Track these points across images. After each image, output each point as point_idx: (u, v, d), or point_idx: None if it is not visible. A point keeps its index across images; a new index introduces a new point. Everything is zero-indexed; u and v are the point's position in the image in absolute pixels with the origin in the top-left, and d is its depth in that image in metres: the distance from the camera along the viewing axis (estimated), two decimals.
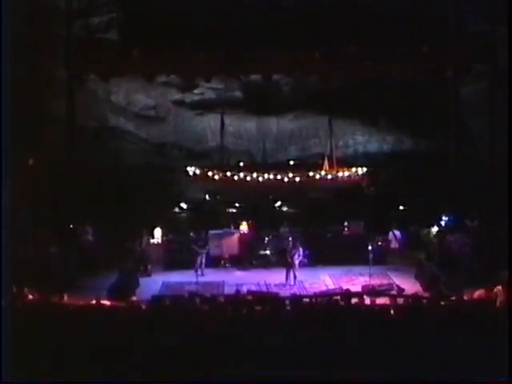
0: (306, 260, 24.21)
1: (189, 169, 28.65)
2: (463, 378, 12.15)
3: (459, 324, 13.40)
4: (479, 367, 12.32)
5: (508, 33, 21.93)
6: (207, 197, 30.17)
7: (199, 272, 23.21)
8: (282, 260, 22.89)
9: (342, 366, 12.63)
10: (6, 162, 16.67)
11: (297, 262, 22.32)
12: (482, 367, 12.32)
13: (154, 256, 24.64)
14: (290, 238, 23.07)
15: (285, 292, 20.40)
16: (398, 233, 24.48)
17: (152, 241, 24.91)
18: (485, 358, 12.42)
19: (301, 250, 22.63)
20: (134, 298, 18.76)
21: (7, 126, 15.93)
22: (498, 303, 15.49)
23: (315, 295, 18.58)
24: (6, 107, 15.64)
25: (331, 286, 21.59)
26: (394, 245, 24.28)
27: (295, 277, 22.02)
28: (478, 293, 16.64)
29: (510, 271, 16.67)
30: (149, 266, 23.72)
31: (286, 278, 22.04)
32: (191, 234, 25.72)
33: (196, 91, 29.93)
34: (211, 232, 25.03)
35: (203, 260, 23.72)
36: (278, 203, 29.69)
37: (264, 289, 21.44)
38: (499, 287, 16.30)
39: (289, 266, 22.22)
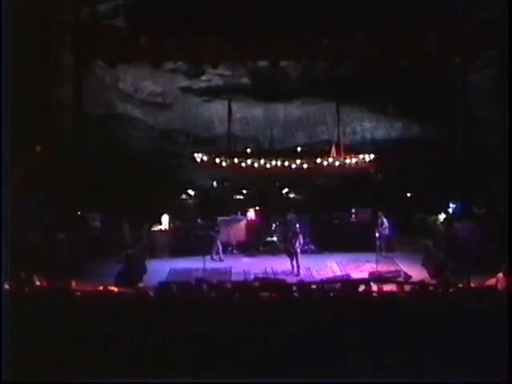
0: (313, 247, 24.27)
1: (196, 155, 28.70)
2: (466, 370, 12.17)
3: (466, 312, 13.40)
4: (484, 358, 12.33)
5: (508, 21, 21.76)
6: (215, 183, 30.21)
7: (216, 257, 23.63)
8: (285, 246, 22.84)
9: (345, 355, 12.65)
10: (13, 149, 16.63)
11: (298, 250, 22.23)
12: (486, 358, 12.33)
13: (161, 242, 24.72)
14: (297, 225, 23.03)
15: (292, 279, 20.42)
16: (385, 220, 23.93)
17: (159, 227, 24.97)
18: (490, 351, 12.41)
19: (301, 237, 22.49)
20: (141, 285, 18.79)
21: (9, 113, 15.91)
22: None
23: (322, 282, 18.60)
24: (6, 94, 15.62)
25: (338, 273, 21.61)
26: (384, 231, 23.87)
27: (298, 266, 21.96)
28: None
29: (510, 260, 16.62)
30: (129, 251, 23.36)
31: (292, 266, 22.05)
32: (199, 220, 25.82)
33: (203, 78, 29.95)
34: (219, 218, 25.08)
35: (219, 245, 23.92)
36: (286, 190, 29.69)
37: (271, 276, 21.49)
38: (500, 274, 16.37)
39: (291, 254, 22.21)
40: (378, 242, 22.96)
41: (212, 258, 23.53)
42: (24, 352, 12.42)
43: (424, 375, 12.15)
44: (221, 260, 23.70)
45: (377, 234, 23.08)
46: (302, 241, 22.48)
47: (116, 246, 23.79)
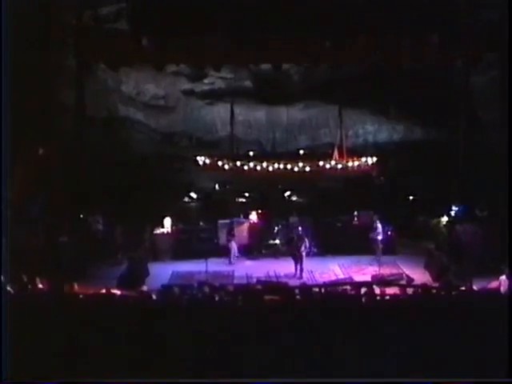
0: (315, 250, 24.22)
1: (198, 158, 28.71)
2: (468, 372, 12.13)
3: (468, 314, 13.37)
4: (486, 361, 12.29)
5: (508, 24, 21.70)
6: (217, 186, 30.20)
7: (231, 260, 23.80)
8: (291, 250, 22.82)
9: (348, 357, 12.63)
10: (15, 151, 16.65)
11: (304, 253, 22.18)
12: (488, 361, 12.30)
13: (163, 245, 24.71)
14: (300, 228, 23.00)
15: (294, 282, 20.41)
16: (379, 224, 23.66)
17: (162, 230, 24.96)
18: (492, 353, 12.38)
19: (307, 241, 22.47)
20: (144, 288, 18.78)
21: (12, 116, 15.94)
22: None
23: (325, 285, 18.57)
24: (9, 96, 15.65)
25: (341, 276, 21.59)
26: (378, 236, 23.49)
27: (302, 270, 21.91)
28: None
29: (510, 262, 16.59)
30: (119, 255, 23.44)
31: (295, 270, 22.00)
32: (201, 223, 25.81)
33: (206, 81, 29.93)
34: (221, 221, 25.08)
35: (235, 248, 24.06)
36: (288, 193, 29.69)
37: (274, 279, 21.49)
38: (503, 277, 16.36)
39: (296, 257, 22.15)
40: (379, 246, 23.02)
41: (230, 262, 23.77)
42: (24, 352, 12.43)
43: (426, 377, 12.14)
44: (230, 263, 23.79)
45: (379, 237, 23.10)
46: (307, 244, 22.45)
47: (118, 248, 23.77)
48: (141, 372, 12.42)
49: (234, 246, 24.09)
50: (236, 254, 24.12)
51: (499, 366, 12.06)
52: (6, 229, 15.01)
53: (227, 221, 25.12)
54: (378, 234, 23.38)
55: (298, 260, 21.99)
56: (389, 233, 24.21)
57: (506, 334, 12.38)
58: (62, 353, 12.67)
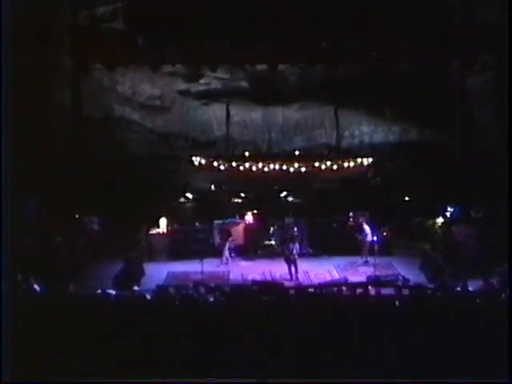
0: (311, 250, 24.20)
1: (194, 159, 28.73)
2: (465, 372, 12.15)
3: (463, 316, 13.40)
4: (482, 361, 12.32)
5: (508, 24, 21.74)
6: (213, 187, 30.17)
7: (224, 261, 23.60)
8: (284, 251, 22.70)
9: (344, 358, 12.65)
10: (11, 151, 16.64)
11: (296, 256, 22.08)
12: (484, 361, 12.33)
13: (159, 246, 24.68)
14: (295, 229, 22.98)
15: (289, 282, 20.42)
16: (366, 226, 23.45)
17: (157, 230, 24.93)
18: (488, 352, 12.40)
19: (297, 244, 22.33)
20: (139, 288, 18.75)
21: (9, 116, 15.94)
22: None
23: (320, 285, 18.58)
24: (6, 97, 15.64)
25: (336, 277, 21.58)
26: (365, 238, 23.25)
27: (296, 271, 21.85)
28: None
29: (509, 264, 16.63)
30: (88, 257, 23.30)
31: (289, 271, 21.89)
32: (196, 223, 25.79)
33: (202, 81, 29.89)
34: (216, 222, 25.06)
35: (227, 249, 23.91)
36: (284, 193, 29.67)
37: (269, 279, 21.48)
38: (498, 278, 16.40)
39: (289, 259, 22.05)
40: (367, 248, 23.03)
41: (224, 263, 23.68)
42: (24, 352, 12.44)
43: (423, 378, 12.17)
44: (225, 264, 23.67)
45: (367, 239, 23.05)
46: (298, 246, 22.33)
47: (114, 248, 23.71)
48: (138, 370, 12.44)
49: (226, 247, 23.96)
50: (227, 256, 23.90)
51: (496, 367, 12.09)
52: (4, 229, 15.04)
53: (225, 221, 25.11)
54: (365, 235, 23.33)
55: (290, 263, 21.90)
56: (384, 233, 24.20)
57: (503, 335, 12.42)
58: (60, 353, 12.69)
